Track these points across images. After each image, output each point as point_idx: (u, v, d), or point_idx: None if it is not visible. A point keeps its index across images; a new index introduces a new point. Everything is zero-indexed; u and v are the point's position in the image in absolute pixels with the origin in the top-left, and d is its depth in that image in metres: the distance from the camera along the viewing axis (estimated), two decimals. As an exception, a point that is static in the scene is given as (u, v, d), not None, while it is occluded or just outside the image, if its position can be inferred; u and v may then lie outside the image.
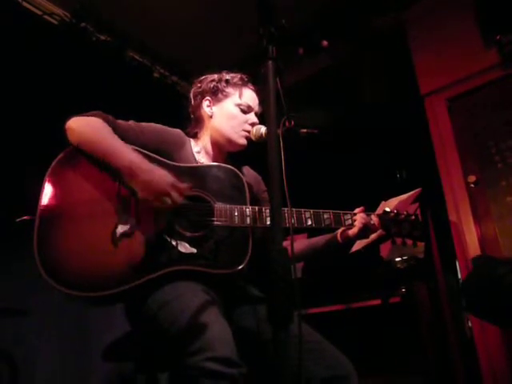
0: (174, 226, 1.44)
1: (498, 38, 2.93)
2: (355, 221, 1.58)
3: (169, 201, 1.37)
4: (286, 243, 1.00)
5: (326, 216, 1.56)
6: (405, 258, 2.57)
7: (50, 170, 1.45)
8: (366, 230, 1.58)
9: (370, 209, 1.67)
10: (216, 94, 1.74)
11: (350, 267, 2.74)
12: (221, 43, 3.44)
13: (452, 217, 3.02)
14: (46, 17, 3.17)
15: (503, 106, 3.00)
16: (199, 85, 1.80)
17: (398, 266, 2.59)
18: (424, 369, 2.42)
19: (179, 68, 3.97)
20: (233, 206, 1.49)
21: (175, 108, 1.97)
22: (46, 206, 1.40)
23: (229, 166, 1.61)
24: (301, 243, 1.74)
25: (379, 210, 1.70)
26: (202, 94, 1.77)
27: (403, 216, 1.65)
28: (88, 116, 1.51)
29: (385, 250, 2.68)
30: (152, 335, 1.41)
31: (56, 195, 1.42)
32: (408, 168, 2.95)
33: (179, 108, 1.88)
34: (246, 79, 1.78)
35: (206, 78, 1.80)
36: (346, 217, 1.59)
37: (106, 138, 1.46)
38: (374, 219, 1.61)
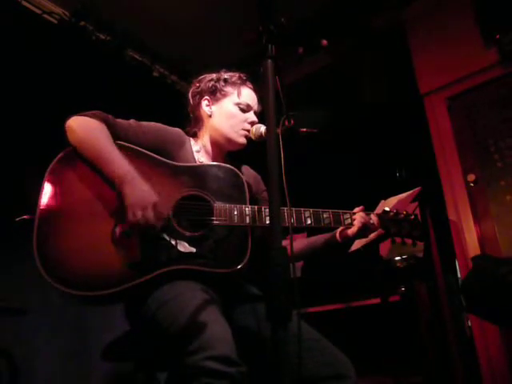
0: (174, 225, 1.44)
1: (497, 37, 2.93)
2: (354, 220, 1.58)
3: (141, 218, 1.34)
4: (285, 242, 1.01)
5: (325, 215, 1.56)
6: (404, 257, 2.57)
7: (49, 169, 1.45)
8: (365, 230, 1.57)
9: (369, 208, 1.67)
10: (215, 94, 1.75)
11: (350, 266, 2.75)
12: (221, 43, 3.44)
13: (451, 216, 3.02)
14: (45, 16, 3.17)
15: (503, 105, 3.00)
16: (198, 84, 1.80)
17: (398, 265, 2.59)
18: (423, 368, 2.42)
19: (179, 67, 3.97)
20: (232, 206, 1.49)
21: (175, 107, 1.97)
22: (46, 205, 1.40)
23: (228, 166, 1.61)
24: (300, 242, 1.74)
25: (378, 209, 1.70)
26: (200, 94, 1.77)
27: (402, 216, 1.65)
28: (88, 116, 1.51)
29: (384, 249, 2.68)
30: (151, 335, 1.41)
31: (56, 195, 1.42)
32: (407, 167, 2.95)
33: (179, 107, 1.88)
34: (244, 78, 1.78)
35: (204, 77, 1.80)
36: (345, 216, 1.59)
37: (99, 141, 1.46)
38: (374, 218, 1.61)
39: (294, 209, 1.52)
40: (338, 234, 1.63)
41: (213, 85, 1.75)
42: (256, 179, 1.84)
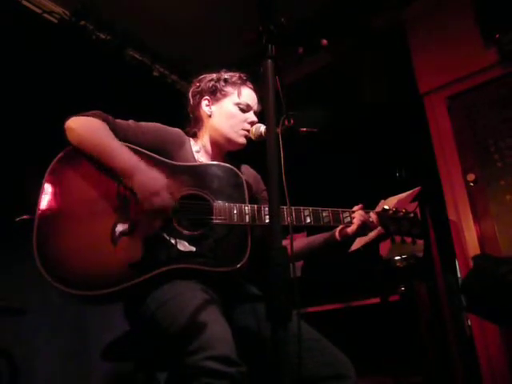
0: (173, 224, 1.44)
1: (497, 36, 2.93)
2: (354, 218, 1.58)
3: (159, 201, 1.37)
4: (285, 242, 1.01)
5: (324, 214, 1.56)
6: (404, 256, 2.58)
7: (49, 169, 1.45)
8: (364, 228, 1.58)
9: (369, 207, 1.67)
10: (215, 94, 1.75)
11: (350, 266, 2.75)
12: (221, 43, 3.44)
13: (451, 215, 3.02)
14: (45, 15, 3.17)
15: (503, 105, 3.00)
16: (198, 84, 1.80)
17: (398, 264, 2.59)
18: (423, 368, 2.42)
19: (179, 67, 3.97)
20: (232, 205, 1.49)
21: (175, 107, 1.97)
22: (46, 205, 1.40)
23: (228, 165, 1.61)
24: (299, 242, 1.74)
25: (378, 209, 1.70)
26: (200, 94, 1.77)
27: (402, 213, 1.65)
28: (88, 116, 1.52)
29: (384, 248, 2.68)
30: (151, 334, 1.41)
31: (55, 194, 1.42)
32: (407, 167, 2.95)
33: (179, 107, 1.88)
34: (244, 78, 1.78)
35: (204, 77, 1.80)
36: (344, 215, 1.59)
37: (103, 138, 1.47)
38: (373, 217, 1.61)
39: (293, 207, 1.53)
40: (337, 233, 1.63)
41: (213, 85, 1.75)
42: (256, 179, 1.85)
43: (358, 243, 2.44)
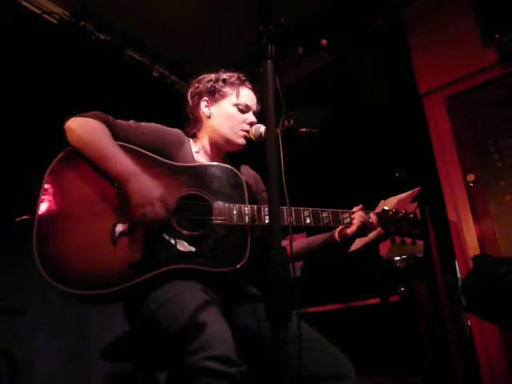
0: (173, 224, 1.44)
1: (496, 36, 2.94)
2: (353, 219, 1.58)
3: (150, 212, 1.34)
4: (284, 242, 1.01)
5: (324, 215, 1.56)
6: (404, 257, 2.58)
7: (49, 169, 1.45)
8: (364, 229, 1.58)
9: (369, 208, 1.67)
10: (213, 94, 1.74)
11: (350, 266, 2.75)
12: (221, 43, 3.44)
13: (451, 216, 3.02)
14: (45, 16, 3.17)
15: (502, 105, 3.00)
16: (197, 85, 1.80)
17: (398, 265, 2.59)
18: (423, 368, 2.42)
19: (179, 67, 3.97)
20: (231, 205, 1.49)
21: (174, 107, 1.97)
22: (46, 205, 1.40)
23: (227, 166, 1.61)
24: (299, 242, 1.74)
25: (378, 209, 1.70)
26: (199, 95, 1.77)
27: (402, 214, 1.65)
28: (88, 117, 1.51)
29: (384, 249, 2.69)
30: (151, 334, 1.41)
31: (55, 194, 1.42)
32: (407, 167, 2.95)
33: (178, 107, 1.88)
34: (243, 78, 1.77)
35: (203, 77, 1.80)
36: (344, 215, 1.59)
37: (101, 140, 1.47)
38: (373, 217, 1.61)
39: (293, 208, 1.53)
40: (336, 234, 1.63)
41: (211, 85, 1.75)
42: (256, 179, 1.84)
43: (358, 243, 2.44)
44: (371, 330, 2.61)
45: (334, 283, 2.86)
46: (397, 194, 2.39)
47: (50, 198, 1.41)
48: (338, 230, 1.63)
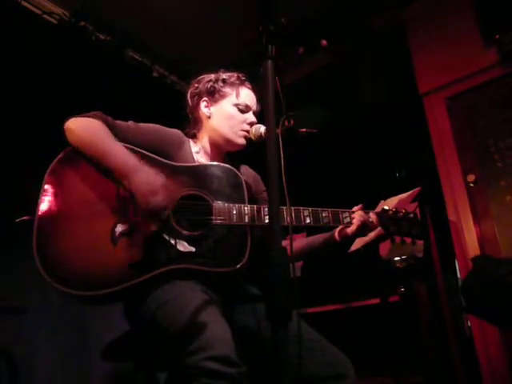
0: (173, 224, 1.44)
1: (497, 37, 2.94)
2: (353, 219, 1.58)
3: (155, 202, 1.37)
4: (284, 243, 1.01)
5: (324, 214, 1.56)
6: (404, 257, 2.58)
7: (49, 169, 1.45)
8: (364, 228, 1.57)
9: (369, 208, 1.67)
10: (213, 95, 1.74)
11: (350, 266, 2.75)
12: (221, 43, 3.44)
13: (451, 216, 3.02)
14: (45, 16, 3.17)
15: (503, 105, 3.00)
16: (196, 85, 1.79)
17: (398, 265, 2.59)
18: (423, 368, 2.42)
19: (179, 68, 3.97)
20: (231, 205, 1.49)
21: (174, 108, 1.97)
22: (46, 205, 1.40)
23: (227, 166, 1.61)
24: (299, 242, 1.74)
25: (378, 209, 1.70)
26: (199, 95, 1.77)
27: (402, 214, 1.65)
28: (87, 117, 1.52)
29: (384, 249, 2.69)
30: (151, 334, 1.41)
31: (55, 195, 1.42)
32: (407, 167, 2.95)
33: (178, 108, 1.88)
34: (242, 78, 1.77)
35: (203, 78, 1.80)
36: (344, 215, 1.59)
37: (102, 139, 1.47)
38: (373, 217, 1.61)
39: (293, 208, 1.52)
40: (336, 234, 1.63)
41: (211, 86, 1.74)
42: (255, 179, 1.84)
43: (358, 243, 2.44)
44: (371, 330, 2.61)
45: (333, 283, 2.85)
46: (397, 194, 2.39)
47: (50, 198, 1.41)
48: (338, 229, 1.62)
